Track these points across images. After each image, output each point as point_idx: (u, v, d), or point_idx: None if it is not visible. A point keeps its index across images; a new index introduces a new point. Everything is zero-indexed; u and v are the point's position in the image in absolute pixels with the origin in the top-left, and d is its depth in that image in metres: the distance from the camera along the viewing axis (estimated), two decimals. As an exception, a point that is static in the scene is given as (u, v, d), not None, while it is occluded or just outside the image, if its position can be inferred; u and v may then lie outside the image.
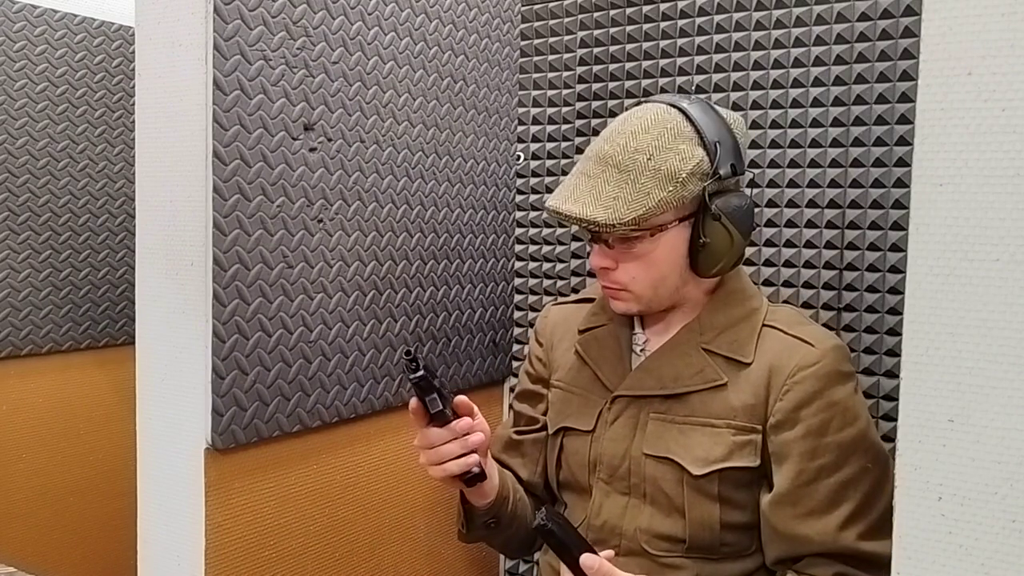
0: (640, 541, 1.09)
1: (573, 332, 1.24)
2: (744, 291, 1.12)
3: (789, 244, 1.27)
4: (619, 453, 1.11)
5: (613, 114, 1.42)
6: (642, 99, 1.10)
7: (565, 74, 1.48)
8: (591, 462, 1.15)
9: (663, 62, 1.37)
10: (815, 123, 1.24)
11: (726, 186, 1.04)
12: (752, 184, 1.29)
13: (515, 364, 1.55)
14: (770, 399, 1.04)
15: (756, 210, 1.29)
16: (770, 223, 1.28)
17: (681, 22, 1.35)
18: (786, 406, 1.03)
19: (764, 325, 1.09)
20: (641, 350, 1.16)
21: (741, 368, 1.07)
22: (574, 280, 1.50)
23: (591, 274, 1.44)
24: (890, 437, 1.20)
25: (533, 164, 1.53)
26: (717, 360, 1.08)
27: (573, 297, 1.32)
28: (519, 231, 1.55)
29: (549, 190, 1.52)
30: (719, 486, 1.05)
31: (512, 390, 1.50)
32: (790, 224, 1.27)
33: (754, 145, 1.29)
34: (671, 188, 1.00)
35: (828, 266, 1.24)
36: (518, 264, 1.56)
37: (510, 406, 1.34)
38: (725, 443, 1.05)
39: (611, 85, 1.43)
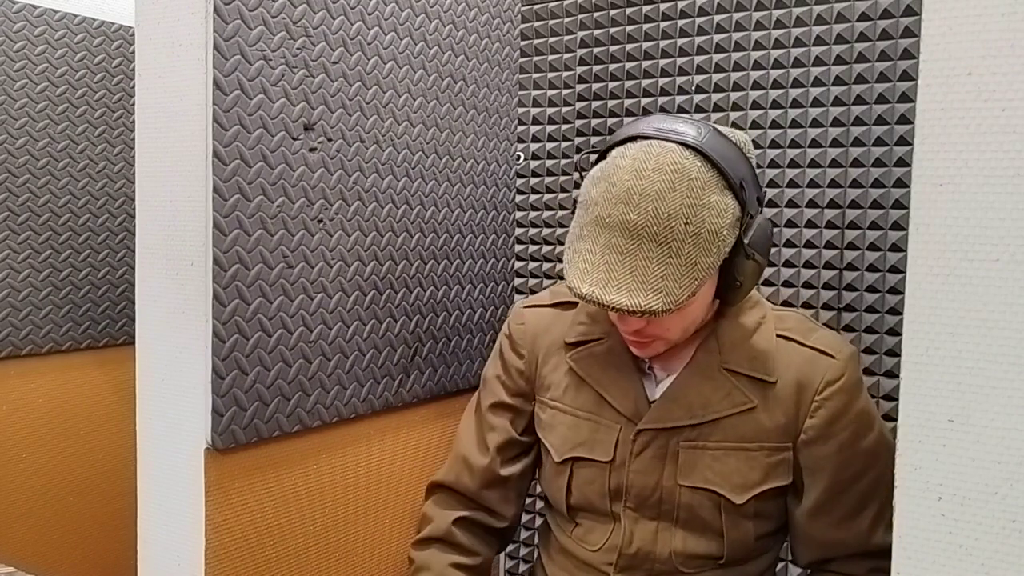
0: (675, 563, 1.08)
1: (559, 344, 1.17)
2: (748, 300, 1.10)
3: (789, 244, 1.27)
4: (650, 484, 1.08)
5: (613, 114, 1.42)
6: (638, 135, 0.97)
7: (565, 74, 1.48)
8: (612, 491, 1.10)
9: (663, 62, 1.37)
10: (815, 123, 1.24)
11: (754, 221, 0.98)
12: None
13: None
14: (799, 415, 1.04)
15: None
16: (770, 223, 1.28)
17: (681, 22, 1.35)
18: (817, 423, 1.03)
19: (778, 336, 1.07)
20: (649, 368, 1.11)
21: (767, 387, 1.05)
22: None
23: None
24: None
25: (533, 164, 1.53)
26: (742, 381, 1.05)
27: (547, 298, 1.23)
28: (519, 231, 1.55)
29: (549, 190, 1.52)
30: (756, 505, 1.06)
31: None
32: (790, 224, 1.27)
33: (754, 145, 1.29)
34: (715, 250, 0.93)
35: (828, 266, 1.24)
36: (518, 264, 1.56)
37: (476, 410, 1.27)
38: (760, 466, 1.04)
39: (611, 85, 1.43)
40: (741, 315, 1.08)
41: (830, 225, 1.23)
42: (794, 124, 1.25)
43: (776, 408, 1.04)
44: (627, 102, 1.41)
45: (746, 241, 0.96)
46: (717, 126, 0.99)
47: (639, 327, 1.01)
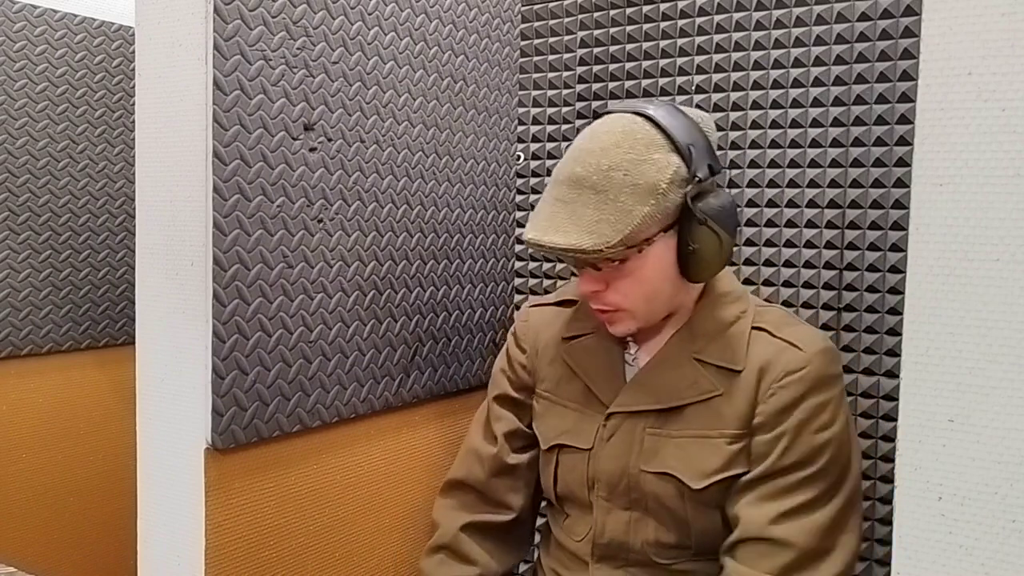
0: (648, 553, 1.09)
1: (557, 339, 1.21)
2: (732, 293, 1.11)
3: (789, 244, 1.27)
4: (617, 471, 1.10)
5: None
6: (602, 111, 1.07)
7: (565, 74, 1.48)
8: (589, 479, 1.13)
9: (663, 62, 1.37)
10: (815, 123, 1.24)
11: (706, 188, 1.02)
12: (752, 184, 1.29)
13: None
14: (756, 402, 1.04)
15: (756, 210, 1.29)
16: (770, 223, 1.28)
17: (681, 22, 1.35)
18: (768, 409, 1.02)
19: (753, 328, 1.07)
20: (634, 359, 1.14)
21: (734, 377, 1.05)
22: (574, 280, 1.50)
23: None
24: (890, 437, 1.20)
25: (533, 164, 1.53)
26: (710, 370, 1.07)
27: (552, 298, 1.28)
28: (519, 231, 1.55)
29: (549, 190, 1.52)
30: (719, 494, 1.05)
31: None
32: (790, 224, 1.27)
33: (754, 145, 1.29)
34: (653, 201, 0.98)
35: (828, 266, 1.24)
36: (518, 264, 1.56)
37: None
38: (721, 454, 1.04)
39: (611, 85, 1.43)
40: (722, 308, 1.09)
41: (830, 225, 1.23)
42: (794, 124, 1.25)
43: (739, 396, 1.05)
44: (627, 103, 1.41)
45: (695, 203, 1.00)
46: (680, 105, 1.06)
47: (598, 289, 1.05)
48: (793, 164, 1.26)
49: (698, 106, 1.33)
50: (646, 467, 1.08)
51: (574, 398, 1.17)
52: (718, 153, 1.32)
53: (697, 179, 1.00)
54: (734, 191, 1.31)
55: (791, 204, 1.26)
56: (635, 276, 1.03)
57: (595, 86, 1.45)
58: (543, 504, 1.28)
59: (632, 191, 0.97)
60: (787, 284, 1.28)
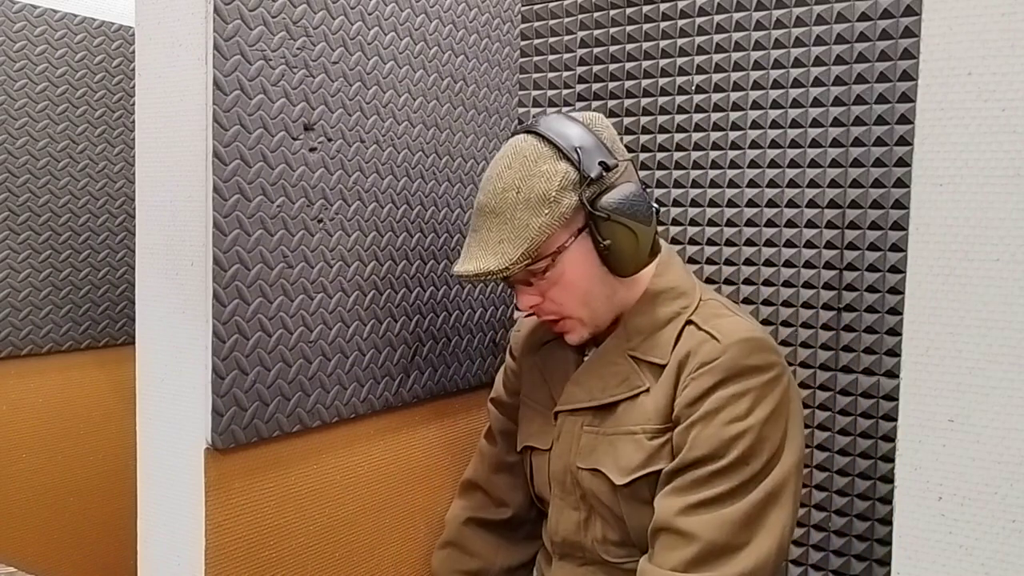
0: (599, 552, 1.10)
1: (536, 345, 1.25)
2: (675, 289, 1.09)
3: (789, 244, 1.27)
4: (562, 468, 1.13)
5: (613, 114, 1.42)
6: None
7: (565, 74, 1.48)
8: (549, 479, 1.16)
9: (663, 62, 1.37)
10: (815, 123, 1.24)
11: (604, 185, 1.02)
12: (752, 184, 1.29)
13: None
14: (674, 395, 1.03)
15: (756, 210, 1.29)
16: (770, 223, 1.28)
17: (681, 22, 1.35)
18: (682, 402, 1.02)
19: (687, 322, 1.06)
20: (588, 360, 1.15)
21: (659, 371, 1.05)
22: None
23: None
24: (890, 437, 1.20)
25: (533, 164, 1.53)
26: (642, 366, 1.07)
27: None
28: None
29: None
30: (648, 490, 1.04)
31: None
32: (790, 224, 1.27)
33: (754, 145, 1.29)
34: (547, 211, 1.00)
35: (828, 266, 1.24)
36: (518, 264, 1.56)
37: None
38: (644, 449, 1.04)
39: (611, 85, 1.43)
40: (661, 305, 1.08)
41: (830, 225, 1.23)
42: (794, 124, 1.25)
43: (660, 390, 1.05)
44: (627, 102, 1.41)
45: (596, 202, 1.02)
46: (571, 112, 1.11)
47: (534, 303, 1.08)
48: (793, 164, 1.26)
49: (698, 106, 1.33)
50: (581, 464, 1.10)
51: (541, 400, 1.20)
52: (725, 154, 1.32)
53: (589, 179, 1.01)
54: (734, 191, 1.31)
55: (791, 204, 1.26)
56: (561, 283, 1.06)
57: (595, 86, 1.45)
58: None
59: (525, 206, 1.01)
60: (787, 284, 1.28)
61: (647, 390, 1.06)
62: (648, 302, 1.09)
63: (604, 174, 1.02)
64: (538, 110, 1.51)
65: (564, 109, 1.49)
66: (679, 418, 1.02)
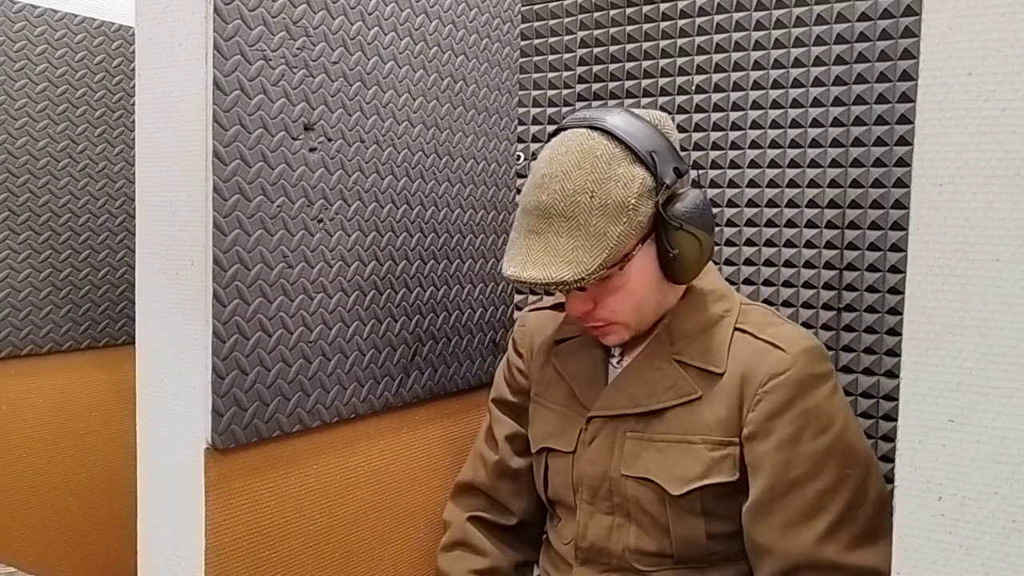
0: (629, 560, 1.08)
1: (549, 342, 1.21)
2: (715, 292, 1.09)
3: (789, 244, 1.27)
4: (598, 474, 1.09)
5: (613, 114, 1.42)
6: (559, 128, 1.05)
7: (565, 74, 1.48)
8: (574, 482, 1.13)
9: (663, 62, 1.37)
10: (815, 123, 1.24)
11: (675, 191, 1.00)
12: (752, 184, 1.29)
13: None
14: (743, 409, 1.01)
15: (756, 210, 1.29)
16: (770, 223, 1.28)
17: (681, 22, 1.35)
18: (758, 417, 0.99)
19: (736, 329, 1.05)
20: (618, 362, 1.13)
21: (715, 379, 1.03)
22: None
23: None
24: (890, 437, 1.20)
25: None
26: (690, 372, 1.04)
27: (549, 302, 1.28)
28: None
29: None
30: (701, 502, 1.03)
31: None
32: (790, 224, 1.27)
33: (754, 145, 1.29)
34: (625, 219, 0.96)
35: (828, 266, 1.24)
36: (518, 264, 1.56)
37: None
38: (702, 460, 1.02)
39: (611, 85, 1.43)
40: (703, 309, 1.07)
41: (830, 225, 1.23)
42: (794, 124, 1.25)
43: (720, 401, 1.02)
44: (627, 102, 1.41)
45: (667, 209, 0.99)
46: (634, 109, 1.03)
47: (587, 309, 1.04)
48: (793, 164, 1.26)
49: (698, 106, 1.33)
50: (627, 471, 1.06)
51: (560, 401, 1.17)
52: (725, 154, 1.32)
53: (665, 186, 0.98)
54: (734, 191, 1.31)
55: (791, 204, 1.26)
56: (622, 291, 1.02)
57: (595, 86, 1.45)
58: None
59: (602, 212, 0.96)
60: (787, 284, 1.28)
61: (699, 397, 1.03)
62: (692, 305, 1.08)
63: (677, 180, 0.99)
64: (538, 110, 1.51)
65: (594, 104, 1.49)
66: (757, 434, 1.00)
